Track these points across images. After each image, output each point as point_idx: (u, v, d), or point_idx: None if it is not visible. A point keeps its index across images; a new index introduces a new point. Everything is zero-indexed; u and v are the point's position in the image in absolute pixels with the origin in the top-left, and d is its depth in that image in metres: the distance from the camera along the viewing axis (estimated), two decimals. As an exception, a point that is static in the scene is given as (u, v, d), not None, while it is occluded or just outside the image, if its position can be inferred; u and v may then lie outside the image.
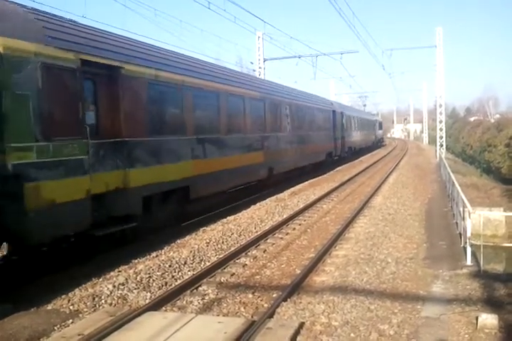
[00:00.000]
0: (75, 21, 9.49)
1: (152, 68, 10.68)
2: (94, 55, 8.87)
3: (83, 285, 7.73)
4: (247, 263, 9.36)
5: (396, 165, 32.12)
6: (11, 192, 7.07)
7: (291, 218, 13.45)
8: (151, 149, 10.50)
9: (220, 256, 9.48)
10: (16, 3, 8.15)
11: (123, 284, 7.75)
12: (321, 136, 27.34)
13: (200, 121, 12.82)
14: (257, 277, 8.48)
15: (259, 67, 33.50)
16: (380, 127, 69.84)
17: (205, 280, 8.20)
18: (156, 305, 6.82)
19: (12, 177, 7.03)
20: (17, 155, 7.12)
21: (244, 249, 10.06)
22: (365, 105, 72.99)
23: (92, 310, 6.84)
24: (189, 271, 8.74)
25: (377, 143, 63.71)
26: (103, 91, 9.27)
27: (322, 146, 27.75)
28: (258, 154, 17.12)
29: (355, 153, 40.79)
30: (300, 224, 12.94)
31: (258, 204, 15.91)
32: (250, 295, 7.48)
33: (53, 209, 7.64)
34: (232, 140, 14.94)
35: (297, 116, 22.55)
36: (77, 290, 7.51)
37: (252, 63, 34.53)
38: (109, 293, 7.40)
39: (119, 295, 7.38)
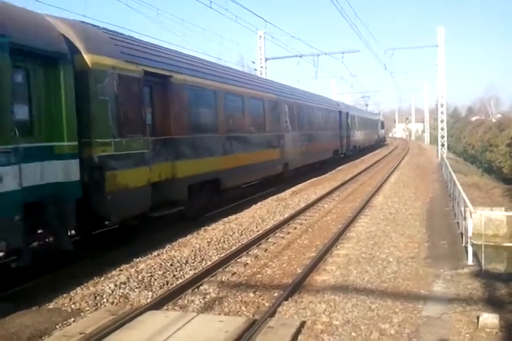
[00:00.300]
0: (134, 37, 11.37)
1: (193, 76, 12.47)
2: (151, 67, 10.62)
3: (85, 284, 7.74)
4: (248, 262, 9.36)
5: (397, 164, 32.10)
6: (95, 179, 8.74)
7: (293, 217, 13.45)
8: (192, 145, 12.30)
9: (222, 255, 9.49)
10: (95, 25, 10.19)
11: (124, 283, 7.76)
12: (329, 135, 29.25)
13: (229, 121, 14.65)
14: (259, 276, 8.48)
15: (261, 67, 33.50)
16: (382, 127, 71.01)
17: (206, 279, 8.21)
18: (158, 304, 6.83)
19: (96, 167, 8.76)
20: (100, 149, 8.87)
21: (245, 248, 10.07)
22: (367, 105, 74.01)
23: (94, 308, 6.85)
24: (190, 270, 8.74)
25: (380, 142, 64.68)
26: (157, 96, 11.09)
27: (330, 145, 29.60)
28: (275, 151, 18.97)
29: (359, 151, 41.99)
30: (301, 224, 12.94)
31: (259, 203, 15.92)
32: (251, 294, 7.48)
33: (125, 194, 9.38)
34: (255, 138, 16.90)
35: (308, 117, 24.60)
36: (78, 289, 7.53)
37: (253, 62, 34.59)
38: (110, 291, 7.42)
39: (120, 294, 7.39)
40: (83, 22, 9.88)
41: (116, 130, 9.33)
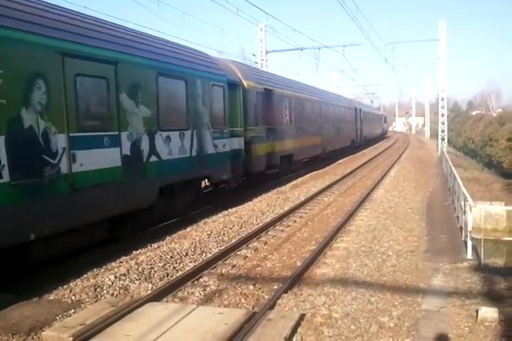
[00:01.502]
0: (256, 67, 23.36)
1: (281, 89, 20.41)
2: (266, 85, 18.33)
3: (85, 276, 7.77)
4: (248, 255, 9.39)
5: (398, 158, 32.11)
6: (247, 149, 15.84)
7: (292, 210, 13.47)
8: (281, 132, 19.79)
9: (222, 248, 9.50)
10: (241, 63, 18.96)
11: (124, 275, 7.78)
12: (349, 127, 37.47)
13: (296, 116, 22.34)
14: (258, 269, 8.51)
15: (262, 60, 33.40)
16: (385, 121, 77.52)
17: (206, 271, 8.24)
18: (158, 296, 6.84)
19: (248, 142, 15.99)
20: (249, 132, 16.16)
21: (245, 241, 10.09)
22: (372, 101, 79.58)
23: (94, 300, 6.88)
24: (190, 262, 8.77)
25: (383, 135, 71.65)
26: (265, 102, 18.11)
27: (349, 135, 37.60)
28: (318, 138, 26.60)
29: (368, 141, 49.14)
30: (301, 217, 12.96)
31: (259, 196, 15.94)
32: (251, 287, 7.51)
33: (258, 158, 16.86)
34: (308, 128, 24.55)
35: (337, 113, 32.76)
36: (78, 281, 7.55)
37: (254, 55, 34.49)
38: (110, 283, 7.44)
39: (120, 285, 7.41)
40: (238, 62, 18.80)
41: (255, 122, 16.75)
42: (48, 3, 8.34)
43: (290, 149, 20.78)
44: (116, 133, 8.95)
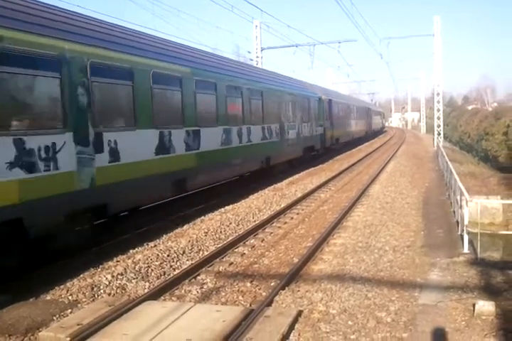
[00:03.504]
0: (321, 86, 37.15)
1: (336, 98, 34.76)
2: (329, 96, 31.95)
3: (81, 276, 7.75)
4: (245, 252, 9.39)
5: (394, 153, 32.15)
6: (323, 133, 28.32)
7: (289, 207, 13.46)
8: (334, 124, 31.83)
9: (219, 246, 9.50)
10: (316, 85, 34.09)
11: (121, 274, 7.77)
12: (364, 123, 51.40)
13: (340, 114, 34.85)
14: (255, 266, 8.51)
15: (257, 57, 33.35)
16: (384, 117, 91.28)
17: (203, 269, 8.23)
18: (155, 295, 6.85)
19: (324, 129, 28.50)
20: (324, 124, 29.22)
21: (242, 239, 10.09)
22: (372, 100, 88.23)
23: (91, 300, 6.86)
24: (187, 260, 8.76)
25: (382, 128, 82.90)
26: (329, 106, 30.57)
27: (364, 128, 51.39)
28: (349, 129, 39.72)
29: (374, 133, 62.78)
30: (298, 213, 12.96)
31: (256, 193, 15.92)
32: (248, 284, 7.51)
33: (328, 139, 29.86)
34: (345, 122, 37.14)
35: (357, 112, 45.81)
36: (75, 281, 7.54)
37: (249, 52, 34.46)
38: (107, 283, 7.43)
39: (117, 285, 7.40)
40: (316, 85, 32.71)
41: (326, 118, 29.24)
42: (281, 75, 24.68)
43: (338, 135, 33.07)
44: (295, 123, 21.88)
